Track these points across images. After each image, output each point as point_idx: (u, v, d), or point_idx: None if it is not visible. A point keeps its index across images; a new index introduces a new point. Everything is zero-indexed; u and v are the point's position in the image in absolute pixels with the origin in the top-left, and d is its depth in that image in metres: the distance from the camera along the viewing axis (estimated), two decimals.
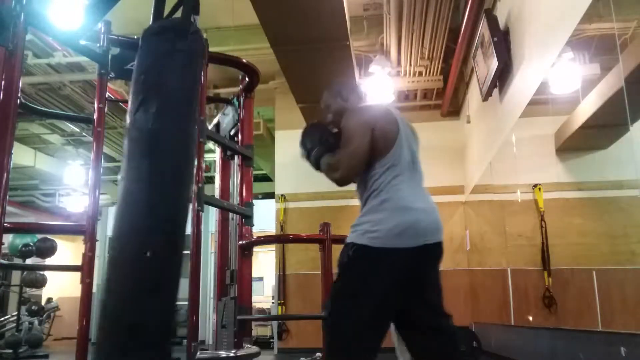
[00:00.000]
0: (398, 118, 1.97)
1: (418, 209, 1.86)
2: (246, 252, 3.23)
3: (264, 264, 10.34)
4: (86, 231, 2.42)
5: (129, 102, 1.79)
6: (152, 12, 1.92)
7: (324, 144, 2.03)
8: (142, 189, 1.76)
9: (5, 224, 2.00)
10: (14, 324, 7.28)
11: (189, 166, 1.84)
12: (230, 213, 3.38)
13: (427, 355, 1.88)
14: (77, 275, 2.41)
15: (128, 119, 1.79)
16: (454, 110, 7.60)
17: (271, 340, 8.11)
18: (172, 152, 1.77)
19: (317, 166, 2.03)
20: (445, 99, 7.29)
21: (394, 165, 1.89)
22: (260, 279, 10.49)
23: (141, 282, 1.69)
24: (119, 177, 1.87)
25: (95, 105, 2.65)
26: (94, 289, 2.62)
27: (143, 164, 1.74)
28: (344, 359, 1.77)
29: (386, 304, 1.81)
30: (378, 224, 1.81)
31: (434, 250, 1.89)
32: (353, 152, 1.87)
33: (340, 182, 1.93)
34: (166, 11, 1.94)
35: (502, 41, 4.50)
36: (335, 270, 1.94)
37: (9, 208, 2.18)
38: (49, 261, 7.13)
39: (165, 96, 1.79)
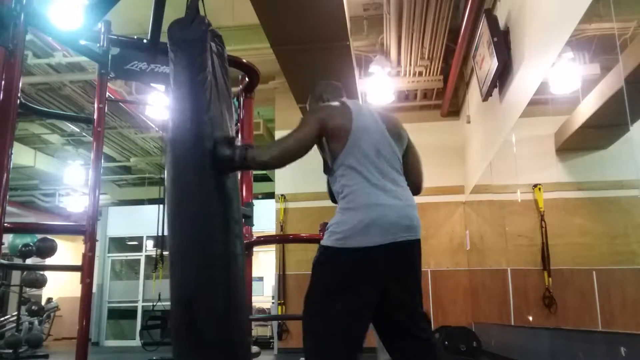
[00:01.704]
0: (356, 113, 1.88)
1: (384, 205, 1.76)
2: (246, 252, 3.23)
3: (264, 264, 10.34)
4: (86, 231, 2.42)
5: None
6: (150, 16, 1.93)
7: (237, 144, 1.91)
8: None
9: (5, 224, 2.00)
10: (14, 324, 7.28)
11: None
12: None
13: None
14: (77, 275, 2.41)
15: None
16: (454, 110, 7.60)
17: (271, 340, 8.12)
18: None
19: (242, 161, 1.80)
20: (445, 99, 7.29)
21: (355, 163, 1.81)
22: (260, 279, 10.49)
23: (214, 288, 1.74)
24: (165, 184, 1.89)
25: (95, 105, 2.65)
26: (94, 289, 2.63)
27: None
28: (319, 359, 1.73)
29: (354, 304, 1.73)
30: (342, 224, 1.76)
31: (406, 249, 1.78)
32: (290, 137, 1.81)
33: (270, 163, 1.85)
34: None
35: (502, 41, 4.50)
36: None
37: (9, 208, 2.18)
38: (49, 261, 7.12)
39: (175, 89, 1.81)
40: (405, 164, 1.96)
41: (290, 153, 1.80)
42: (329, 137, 1.85)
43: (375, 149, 1.85)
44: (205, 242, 1.76)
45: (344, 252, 1.73)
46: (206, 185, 1.78)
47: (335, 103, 1.98)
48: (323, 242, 1.79)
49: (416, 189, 2.01)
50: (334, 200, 1.93)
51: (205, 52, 1.87)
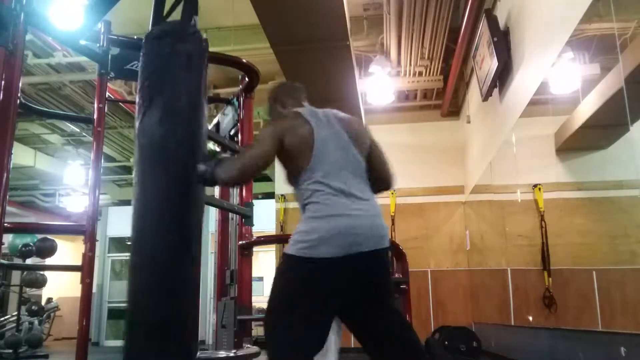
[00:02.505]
0: (315, 124, 1.86)
1: (351, 215, 1.75)
2: (246, 252, 3.23)
3: (264, 264, 10.33)
4: (86, 231, 2.43)
5: (136, 108, 1.82)
6: (151, 14, 1.92)
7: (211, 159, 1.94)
8: (154, 194, 1.82)
9: (5, 224, 2.00)
10: (14, 324, 7.27)
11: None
12: (230, 213, 3.38)
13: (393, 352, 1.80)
14: (77, 275, 2.41)
15: (136, 125, 1.83)
16: (454, 110, 7.60)
17: None
18: (180, 156, 1.83)
19: (211, 177, 1.87)
20: (445, 99, 7.29)
21: (320, 177, 1.80)
22: (260, 279, 10.48)
23: (159, 284, 1.76)
24: (133, 180, 1.90)
25: (95, 105, 2.66)
26: (94, 289, 2.63)
27: (153, 169, 1.83)
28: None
29: (314, 313, 1.73)
30: (306, 233, 1.75)
31: (375, 259, 1.78)
32: (248, 154, 1.85)
33: (229, 181, 1.93)
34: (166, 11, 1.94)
35: (502, 41, 4.50)
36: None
37: (9, 208, 2.18)
38: (49, 261, 7.12)
39: (169, 100, 1.82)
40: (371, 163, 1.94)
41: (250, 170, 1.86)
42: (290, 152, 1.83)
43: (340, 160, 1.84)
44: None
45: (308, 261, 1.72)
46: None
47: (291, 114, 1.94)
48: (286, 251, 1.78)
49: (386, 185, 2.01)
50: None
51: (205, 68, 1.94)
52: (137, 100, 1.86)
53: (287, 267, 1.79)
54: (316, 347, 1.74)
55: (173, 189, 1.81)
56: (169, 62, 1.85)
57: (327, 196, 1.78)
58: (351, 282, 1.76)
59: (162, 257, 1.78)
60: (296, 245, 1.75)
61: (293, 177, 1.88)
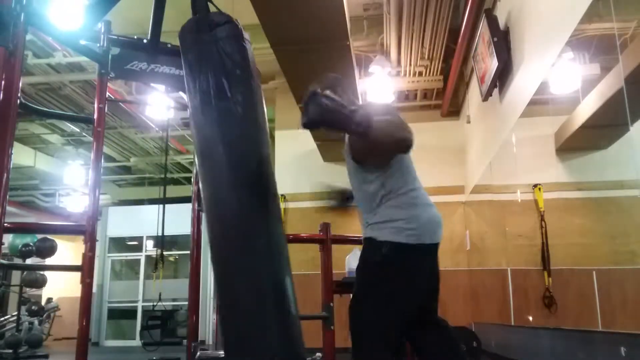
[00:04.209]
0: None
1: (433, 206, 1.92)
2: None
3: None
4: (86, 231, 2.42)
5: (198, 98, 1.82)
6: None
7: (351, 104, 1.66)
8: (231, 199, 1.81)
9: (5, 224, 1.99)
10: (14, 324, 7.27)
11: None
12: None
13: (435, 351, 1.91)
14: (77, 275, 2.41)
15: (204, 100, 1.82)
16: (454, 110, 7.60)
17: None
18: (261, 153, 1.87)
19: (366, 128, 1.55)
20: (445, 99, 7.29)
21: (408, 164, 1.91)
22: None
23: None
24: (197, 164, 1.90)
25: (95, 105, 2.65)
26: (94, 289, 2.63)
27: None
28: (372, 353, 1.78)
29: (415, 304, 1.85)
30: (412, 220, 1.81)
31: (437, 250, 1.94)
32: (399, 121, 1.73)
33: (410, 142, 1.66)
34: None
35: (502, 41, 4.50)
36: (358, 269, 1.93)
37: (9, 208, 2.17)
38: (49, 261, 7.12)
39: (200, 95, 1.84)
40: None
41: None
42: None
43: (411, 158, 1.96)
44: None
45: (419, 248, 1.79)
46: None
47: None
48: (391, 239, 1.79)
49: None
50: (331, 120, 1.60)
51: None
52: (197, 90, 1.84)
53: (395, 255, 1.79)
54: (401, 338, 1.86)
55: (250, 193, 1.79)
56: (198, 53, 1.86)
57: (417, 185, 1.91)
58: (437, 269, 1.94)
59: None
60: (405, 232, 1.78)
61: (379, 164, 1.88)
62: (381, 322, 1.77)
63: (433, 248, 1.84)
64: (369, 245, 1.85)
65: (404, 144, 1.67)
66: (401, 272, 1.79)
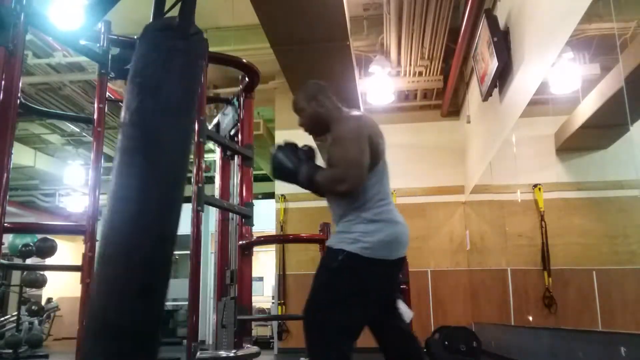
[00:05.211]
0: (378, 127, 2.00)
1: (400, 223, 1.94)
2: (246, 252, 3.23)
3: (264, 264, 10.34)
4: (86, 231, 2.43)
5: (125, 99, 1.76)
6: (152, 9, 1.92)
7: (308, 161, 1.99)
8: (134, 187, 1.72)
9: (5, 224, 2.00)
10: (14, 324, 7.27)
11: (184, 166, 1.78)
12: (230, 213, 3.38)
13: (400, 355, 2.00)
14: (77, 275, 2.41)
15: (123, 115, 1.73)
16: (454, 110, 7.60)
17: (271, 340, 8.11)
18: (168, 151, 1.73)
19: (309, 183, 1.96)
20: (445, 99, 7.29)
21: (381, 179, 1.94)
22: (260, 279, 10.49)
23: (129, 283, 1.57)
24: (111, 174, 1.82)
25: (95, 105, 2.66)
26: None
27: (137, 161, 1.73)
28: (327, 355, 1.83)
29: (367, 311, 1.90)
30: (368, 235, 1.85)
31: (402, 263, 1.99)
32: (357, 160, 1.85)
33: (347, 193, 1.89)
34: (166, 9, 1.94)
35: (502, 41, 4.50)
36: (315, 274, 1.96)
37: (9, 208, 2.18)
38: (49, 261, 7.12)
39: (163, 95, 1.77)
40: None
41: (362, 180, 1.87)
42: (370, 152, 1.92)
43: (386, 170, 2.00)
44: None
45: (369, 261, 1.84)
46: None
47: (365, 114, 2.06)
48: (346, 248, 1.85)
49: None
50: (281, 176, 2.04)
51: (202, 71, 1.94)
52: (128, 86, 1.80)
53: (347, 264, 1.85)
54: (355, 342, 1.90)
55: (152, 183, 1.72)
56: (166, 58, 1.82)
57: (385, 201, 1.93)
58: (391, 282, 2.03)
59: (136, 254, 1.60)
60: (357, 244, 1.85)
61: None
62: (334, 326, 1.82)
63: (389, 263, 1.88)
64: (328, 252, 1.94)
65: (342, 194, 1.89)
66: (354, 280, 1.85)
